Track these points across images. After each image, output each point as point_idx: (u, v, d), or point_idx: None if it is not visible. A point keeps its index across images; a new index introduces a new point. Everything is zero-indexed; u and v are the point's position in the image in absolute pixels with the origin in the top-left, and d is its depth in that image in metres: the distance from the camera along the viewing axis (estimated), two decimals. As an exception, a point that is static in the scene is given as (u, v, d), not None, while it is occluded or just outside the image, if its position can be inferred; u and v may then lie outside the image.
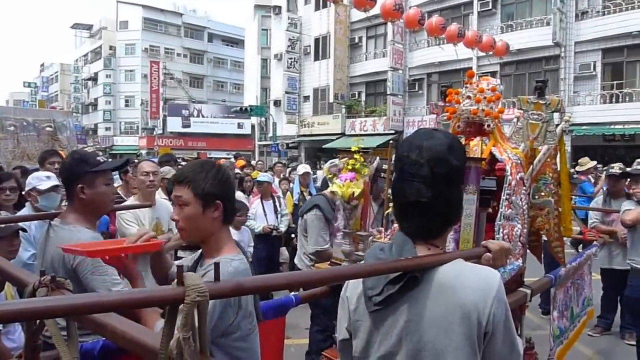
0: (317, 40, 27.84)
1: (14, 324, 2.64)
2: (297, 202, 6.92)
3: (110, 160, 2.27)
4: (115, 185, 5.94)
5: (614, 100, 18.20)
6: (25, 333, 1.41)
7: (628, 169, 5.06)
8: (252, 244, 5.86)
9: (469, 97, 2.85)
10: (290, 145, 29.77)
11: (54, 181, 3.49)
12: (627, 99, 17.88)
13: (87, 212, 2.20)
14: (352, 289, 1.50)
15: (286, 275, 1.34)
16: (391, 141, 3.55)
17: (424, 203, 1.37)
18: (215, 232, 1.78)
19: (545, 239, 3.22)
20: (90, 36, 51.47)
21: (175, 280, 1.04)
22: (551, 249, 3.10)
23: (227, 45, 49.76)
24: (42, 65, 64.43)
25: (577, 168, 8.22)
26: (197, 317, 1.04)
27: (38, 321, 1.36)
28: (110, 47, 46.43)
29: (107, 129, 46.27)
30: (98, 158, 2.26)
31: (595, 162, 8.20)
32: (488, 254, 1.52)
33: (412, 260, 1.35)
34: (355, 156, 3.23)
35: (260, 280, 1.25)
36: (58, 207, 3.73)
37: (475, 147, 2.86)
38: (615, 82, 18.42)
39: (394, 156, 1.51)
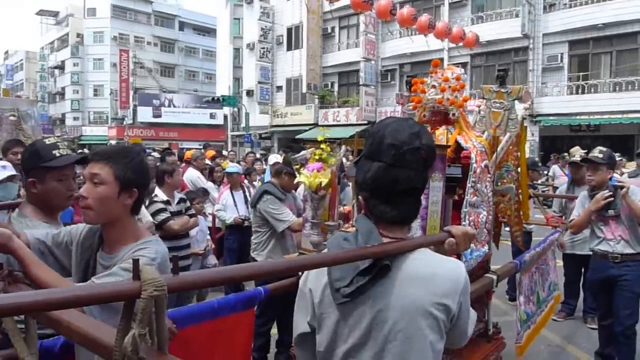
0: (289, 30, 27.63)
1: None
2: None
3: (67, 154, 2.14)
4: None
5: (580, 91, 18.66)
6: None
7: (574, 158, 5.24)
8: (209, 232, 5.84)
9: (434, 87, 2.88)
10: (263, 135, 29.58)
11: (10, 171, 3.37)
12: (592, 90, 18.35)
13: (42, 206, 2.13)
14: (315, 281, 1.46)
15: (249, 266, 1.31)
16: (357, 131, 3.57)
17: (416, 189, 1.40)
18: (122, 219, 1.69)
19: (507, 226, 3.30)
20: (56, 23, 49.89)
21: (131, 274, 1.00)
22: (511, 234, 3.17)
23: (199, 34, 48.94)
24: (7, 52, 62.28)
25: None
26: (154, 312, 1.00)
27: None
28: (78, 35, 45.15)
29: (75, 118, 45.09)
30: (55, 152, 2.11)
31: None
32: (452, 239, 1.52)
33: (378, 248, 1.34)
34: (322, 146, 3.22)
35: (223, 272, 1.23)
36: (16, 197, 3.62)
37: (441, 136, 2.89)
38: (581, 73, 18.88)
39: (370, 143, 1.44)
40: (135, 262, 1.00)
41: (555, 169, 11.47)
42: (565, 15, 18.70)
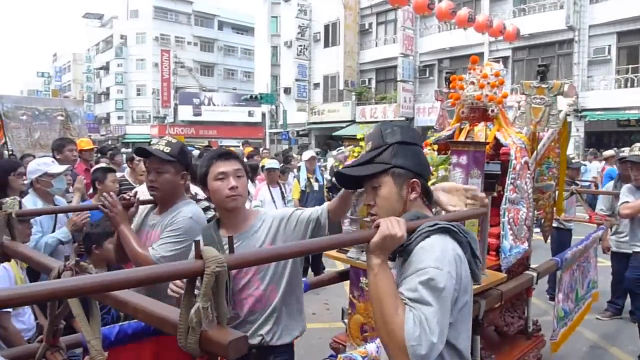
0: (326, 27, 27.67)
1: (24, 307, 2.74)
2: (304, 189, 6.89)
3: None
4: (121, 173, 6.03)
5: (629, 84, 17.88)
6: (49, 316, 1.48)
7: (624, 154, 5.05)
8: None
9: (472, 83, 2.86)
10: (300, 132, 29.77)
11: (63, 165, 3.69)
12: (643, 84, 17.57)
13: None
14: (466, 273, 1.40)
15: (295, 244, 1.42)
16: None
17: None
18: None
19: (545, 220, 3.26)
20: (101, 25, 51.61)
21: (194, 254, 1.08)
22: (541, 226, 3.15)
23: (237, 32, 49.61)
24: (55, 55, 64.85)
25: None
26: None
27: (61, 306, 1.44)
28: (121, 37, 46.51)
29: (119, 117, 46.55)
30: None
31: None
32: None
33: (418, 221, 1.43)
34: (361, 143, 3.24)
35: (273, 250, 1.38)
36: (64, 192, 3.84)
37: (480, 133, 2.86)
38: (630, 66, 18.07)
39: (402, 132, 1.58)
40: (197, 242, 1.09)
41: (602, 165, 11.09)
42: (614, 5, 17.90)
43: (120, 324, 2.04)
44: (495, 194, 2.67)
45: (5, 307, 1.84)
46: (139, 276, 1.03)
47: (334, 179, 1.93)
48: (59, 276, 1.44)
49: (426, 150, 2.77)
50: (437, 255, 1.30)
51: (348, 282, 2.89)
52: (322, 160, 14.61)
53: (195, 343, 1.03)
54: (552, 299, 5.44)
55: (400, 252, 1.40)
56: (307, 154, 7.43)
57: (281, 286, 2.04)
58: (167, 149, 2.36)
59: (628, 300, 5.24)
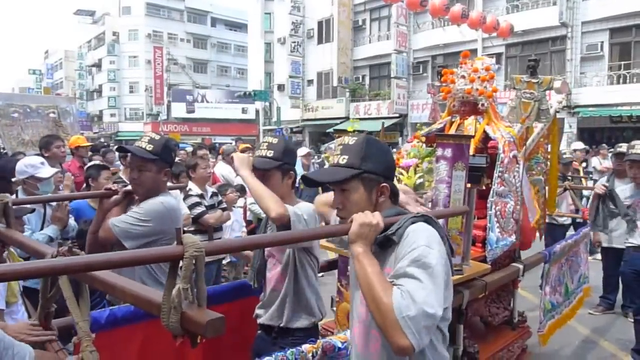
0: (320, 24, 27.60)
1: (18, 304, 2.73)
2: (297, 185, 6.84)
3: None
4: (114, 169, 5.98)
5: (621, 81, 17.97)
6: (40, 299, 1.54)
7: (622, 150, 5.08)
8: (244, 225, 5.88)
9: (463, 77, 2.88)
10: (294, 129, 29.72)
11: (54, 168, 3.66)
12: (635, 80, 17.65)
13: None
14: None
15: (273, 235, 1.48)
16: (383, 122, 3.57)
17: None
18: (286, 193, 2.28)
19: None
20: (93, 22, 51.19)
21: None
22: (535, 223, 3.16)
23: (231, 29, 49.39)
24: (47, 52, 64.31)
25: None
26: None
27: (53, 289, 1.50)
28: (114, 33, 46.18)
29: (112, 115, 46.28)
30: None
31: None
32: None
33: (397, 217, 1.52)
34: (352, 136, 3.26)
35: (249, 240, 1.50)
36: (55, 191, 3.82)
37: (470, 126, 2.88)
38: (623, 62, 18.17)
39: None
40: (178, 230, 1.17)
41: (594, 161, 11.17)
42: (606, 2, 17.94)
43: (110, 308, 2.07)
44: (484, 187, 2.69)
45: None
46: (122, 258, 1.13)
47: None
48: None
49: (414, 142, 2.79)
50: (427, 236, 1.40)
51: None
52: (316, 157, 14.62)
53: (176, 322, 1.09)
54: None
55: (387, 240, 1.46)
56: (303, 150, 7.43)
57: (288, 273, 2.19)
58: (150, 147, 2.33)
59: (619, 295, 5.31)
